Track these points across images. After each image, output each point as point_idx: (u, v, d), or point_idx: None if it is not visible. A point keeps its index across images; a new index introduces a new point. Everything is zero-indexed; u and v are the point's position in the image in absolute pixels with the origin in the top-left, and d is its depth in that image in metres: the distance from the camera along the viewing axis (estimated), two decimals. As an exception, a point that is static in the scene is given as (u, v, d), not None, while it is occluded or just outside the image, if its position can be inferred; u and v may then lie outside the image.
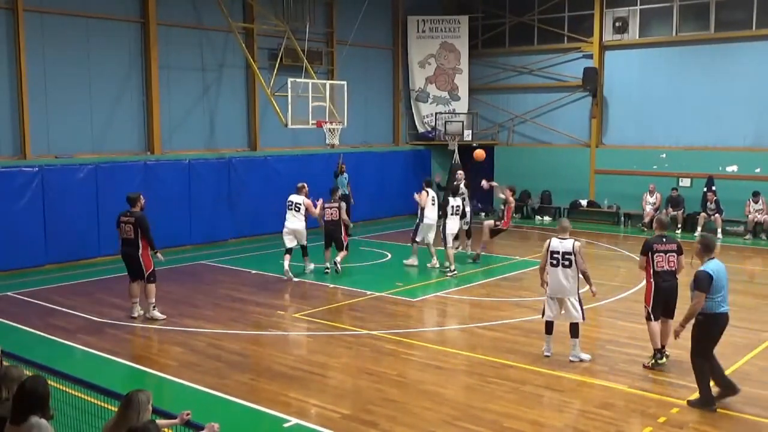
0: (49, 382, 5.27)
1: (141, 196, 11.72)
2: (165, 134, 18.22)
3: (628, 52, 22.21)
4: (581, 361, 9.47)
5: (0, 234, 14.81)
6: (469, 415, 7.82)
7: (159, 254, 11.65)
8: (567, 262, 9.46)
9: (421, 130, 25.11)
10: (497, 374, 9.10)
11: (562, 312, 9.61)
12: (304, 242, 15.04)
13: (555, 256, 9.51)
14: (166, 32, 18.05)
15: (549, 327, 9.74)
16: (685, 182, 20.97)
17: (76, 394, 6.43)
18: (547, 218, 23.30)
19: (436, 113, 24.76)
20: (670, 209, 20.45)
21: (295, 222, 14.79)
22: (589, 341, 10.40)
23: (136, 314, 11.67)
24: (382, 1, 23.31)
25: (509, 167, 24.32)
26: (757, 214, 19.35)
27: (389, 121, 24.76)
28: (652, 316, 9.26)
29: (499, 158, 24.65)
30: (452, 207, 15.10)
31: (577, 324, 9.53)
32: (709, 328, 7.96)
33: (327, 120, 18.40)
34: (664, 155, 21.52)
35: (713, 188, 19.95)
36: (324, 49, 21.81)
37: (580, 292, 9.64)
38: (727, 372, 8.64)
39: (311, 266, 15.27)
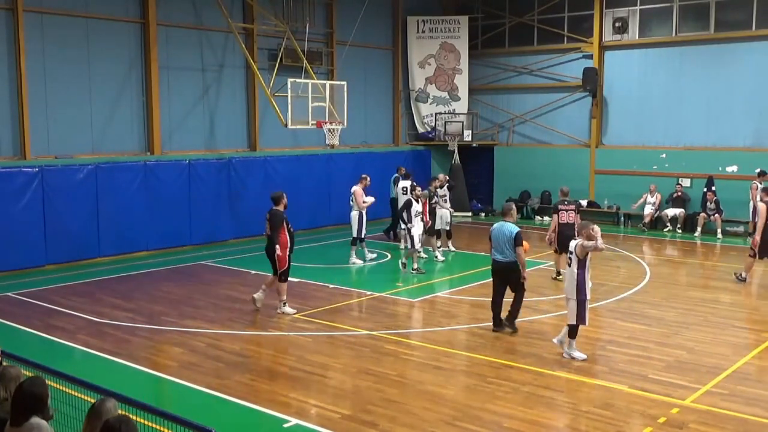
0: (49, 382, 5.26)
1: (283, 195, 11.96)
2: (165, 134, 18.21)
3: (627, 52, 22.21)
4: (573, 359, 9.52)
5: (0, 234, 14.80)
6: (469, 415, 7.82)
7: (279, 250, 11.69)
8: (568, 262, 9.62)
9: (421, 130, 25.10)
10: (497, 374, 9.10)
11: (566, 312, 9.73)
12: (353, 234, 16.06)
13: None
14: (166, 32, 18.04)
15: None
16: (685, 182, 20.97)
17: (76, 394, 6.42)
18: (547, 218, 23.27)
19: (435, 113, 24.75)
20: (673, 208, 20.44)
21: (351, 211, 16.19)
22: (589, 341, 10.41)
23: (255, 296, 12.16)
24: (382, 1, 23.31)
25: (509, 167, 24.35)
26: (763, 194, 18.73)
27: (389, 121, 24.75)
28: (558, 250, 13.80)
29: (499, 158, 24.66)
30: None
31: (575, 326, 9.57)
32: (492, 270, 10.87)
33: (327, 120, 18.41)
34: (664, 155, 21.52)
35: (713, 188, 19.94)
36: (324, 49, 21.81)
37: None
38: (727, 372, 9.03)
39: (354, 259, 16.15)
